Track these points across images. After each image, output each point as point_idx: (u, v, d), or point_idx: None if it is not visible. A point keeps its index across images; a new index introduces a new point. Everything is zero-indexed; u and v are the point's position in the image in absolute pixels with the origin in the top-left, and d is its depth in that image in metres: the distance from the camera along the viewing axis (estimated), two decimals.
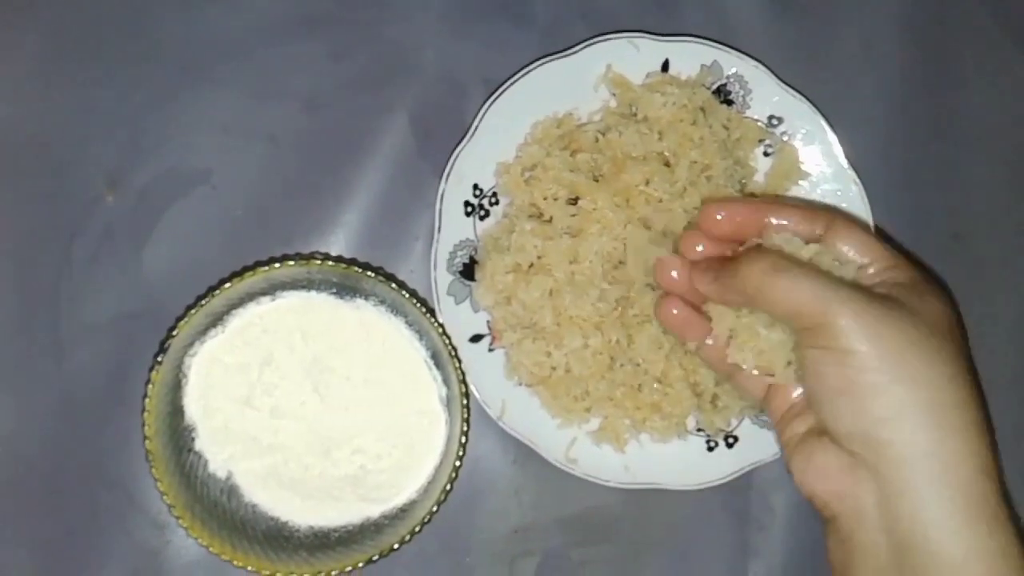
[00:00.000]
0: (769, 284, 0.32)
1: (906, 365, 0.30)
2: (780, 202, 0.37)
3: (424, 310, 0.39)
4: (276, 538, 0.39)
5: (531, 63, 0.41)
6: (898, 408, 0.30)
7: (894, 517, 0.30)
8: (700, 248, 0.36)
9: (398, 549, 0.38)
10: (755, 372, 0.35)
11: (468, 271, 0.42)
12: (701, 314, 0.37)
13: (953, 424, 0.30)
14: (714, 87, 0.43)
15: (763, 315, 0.34)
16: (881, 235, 0.42)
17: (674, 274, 0.37)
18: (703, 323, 0.36)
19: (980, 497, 0.29)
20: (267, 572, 0.38)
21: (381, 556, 0.38)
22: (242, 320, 0.40)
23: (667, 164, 0.41)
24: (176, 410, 0.40)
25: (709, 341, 0.37)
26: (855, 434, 0.30)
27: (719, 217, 0.36)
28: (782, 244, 0.34)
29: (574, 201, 0.41)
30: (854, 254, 0.34)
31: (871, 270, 0.33)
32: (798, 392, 0.35)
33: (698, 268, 0.35)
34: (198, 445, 0.40)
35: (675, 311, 0.37)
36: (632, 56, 0.42)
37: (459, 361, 0.39)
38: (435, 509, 0.38)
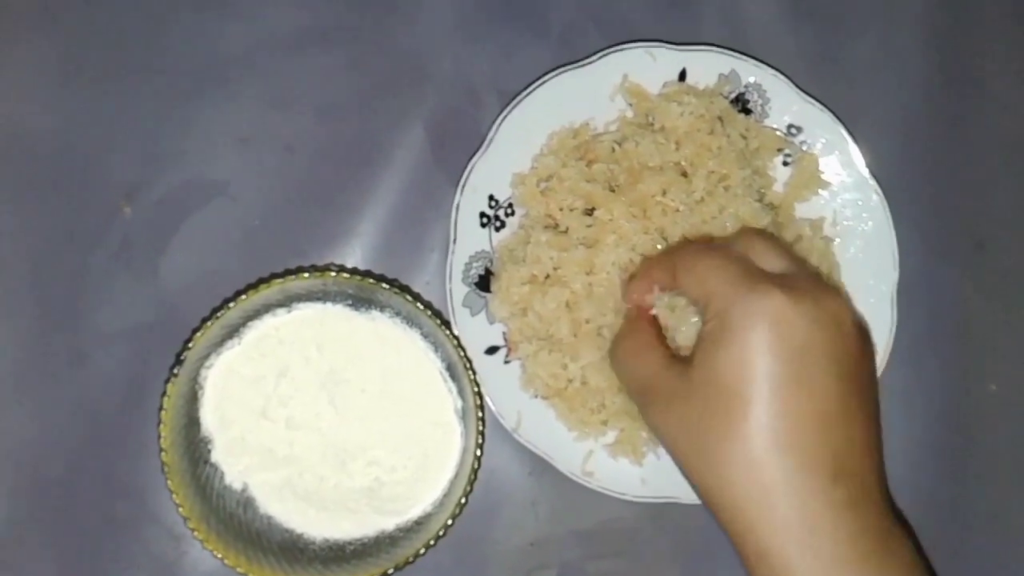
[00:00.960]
0: (691, 263, 0.33)
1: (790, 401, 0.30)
2: (646, 264, 0.38)
3: (439, 322, 0.39)
4: (291, 550, 0.39)
5: (547, 73, 0.41)
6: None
7: None
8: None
9: (413, 562, 0.38)
10: None
11: (484, 283, 0.42)
12: None
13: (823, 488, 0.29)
14: (732, 96, 0.42)
15: None
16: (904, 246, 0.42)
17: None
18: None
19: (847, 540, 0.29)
20: None
21: (396, 569, 0.38)
22: (258, 332, 0.40)
23: (684, 174, 0.40)
24: (192, 422, 0.40)
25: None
26: None
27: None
28: (668, 310, 0.36)
29: (590, 212, 0.41)
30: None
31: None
32: None
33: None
34: (214, 457, 0.40)
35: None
36: (649, 65, 0.42)
37: (474, 373, 0.39)
38: (450, 522, 0.38)
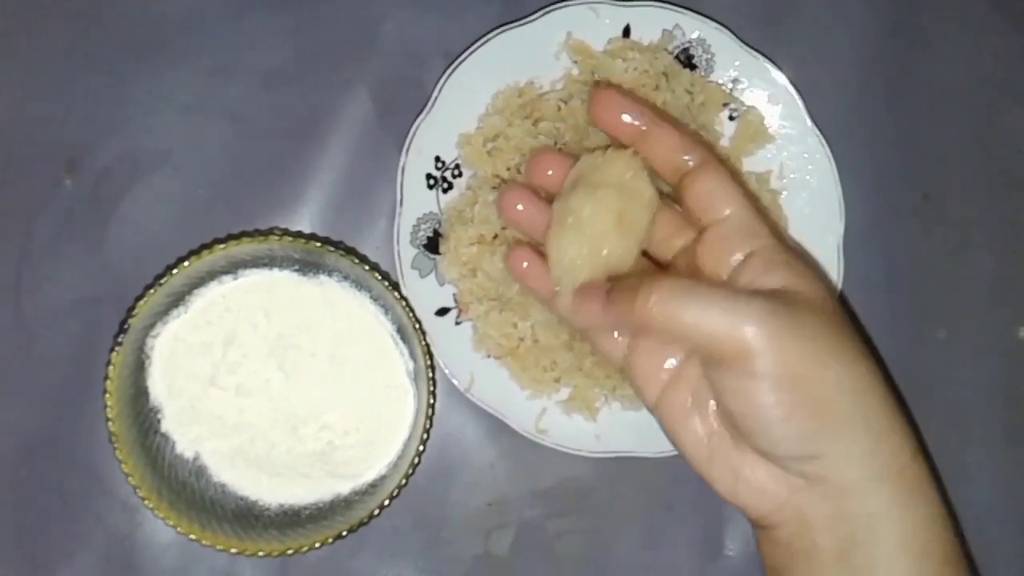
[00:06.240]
0: (676, 312, 0.29)
1: (831, 376, 0.29)
2: (666, 122, 0.34)
3: (388, 284, 0.39)
4: (246, 517, 0.39)
5: (489, 32, 0.41)
6: (837, 422, 0.29)
7: (840, 517, 0.30)
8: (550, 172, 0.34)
9: (368, 523, 0.38)
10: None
11: (432, 244, 0.41)
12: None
13: (885, 423, 0.30)
14: (676, 51, 0.42)
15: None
16: (848, 199, 0.42)
17: (519, 207, 0.34)
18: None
19: (914, 480, 0.30)
20: (237, 551, 0.37)
21: (351, 531, 0.38)
22: (204, 300, 0.40)
23: None
24: (140, 392, 0.39)
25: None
26: (797, 456, 0.30)
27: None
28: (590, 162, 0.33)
29: None
30: (707, 201, 0.32)
31: (751, 259, 0.32)
32: (670, 362, 0.33)
33: (583, 297, 0.32)
34: (164, 426, 0.40)
35: (525, 264, 0.34)
36: (592, 22, 0.42)
37: (424, 335, 0.39)
38: (404, 482, 0.38)
